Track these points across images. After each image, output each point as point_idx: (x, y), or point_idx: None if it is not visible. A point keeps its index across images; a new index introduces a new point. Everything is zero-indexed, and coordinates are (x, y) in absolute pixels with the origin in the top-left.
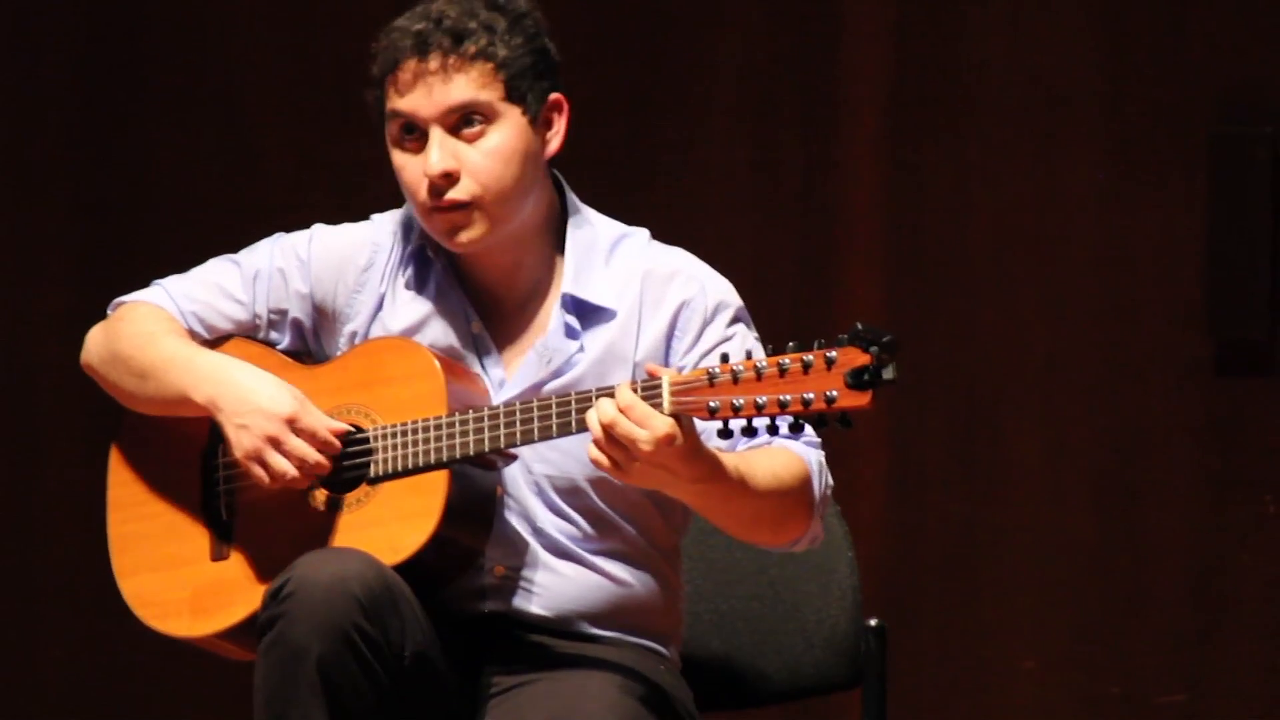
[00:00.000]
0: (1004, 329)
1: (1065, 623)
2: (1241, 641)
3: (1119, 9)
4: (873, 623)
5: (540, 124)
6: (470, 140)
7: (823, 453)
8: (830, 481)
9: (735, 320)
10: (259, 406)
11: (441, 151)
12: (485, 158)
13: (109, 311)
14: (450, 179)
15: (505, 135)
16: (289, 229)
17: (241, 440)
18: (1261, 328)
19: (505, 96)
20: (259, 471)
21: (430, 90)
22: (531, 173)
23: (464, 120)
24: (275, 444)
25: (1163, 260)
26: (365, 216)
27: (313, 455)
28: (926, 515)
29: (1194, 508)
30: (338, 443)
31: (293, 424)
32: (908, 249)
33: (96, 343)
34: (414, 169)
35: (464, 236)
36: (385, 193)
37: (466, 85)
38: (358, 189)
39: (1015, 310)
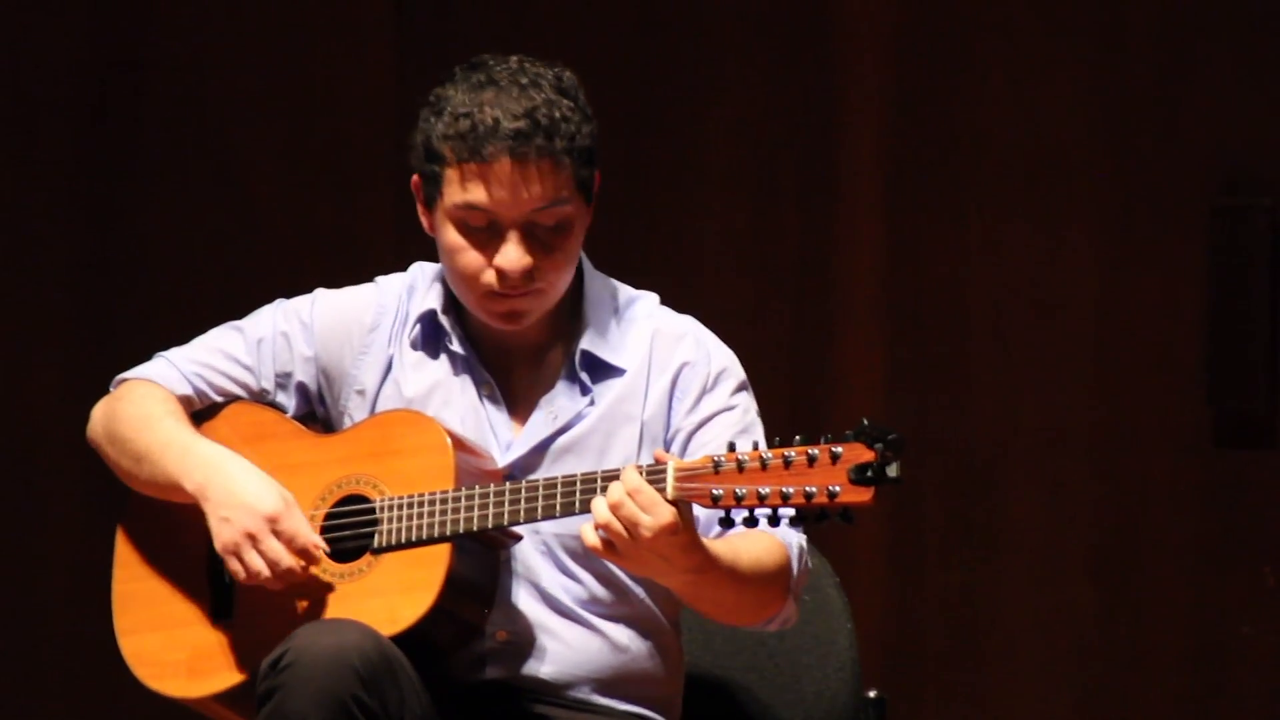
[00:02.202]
0: (1002, 398)
1: (1065, 693)
2: (1242, 713)
3: (1119, 79)
4: (872, 694)
5: (591, 201)
6: (543, 235)
7: (804, 536)
8: (809, 564)
9: (738, 390)
10: (244, 502)
11: (521, 249)
12: (558, 255)
13: (111, 388)
14: (524, 274)
15: (575, 229)
16: (286, 288)
17: (222, 532)
18: (1261, 399)
19: (576, 188)
20: (235, 565)
21: (521, 191)
22: (580, 248)
23: (540, 212)
24: (253, 541)
25: (1162, 331)
26: (364, 276)
27: (286, 560)
28: (925, 586)
29: (1193, 579)
30: (317, 552)
31: (273, 524)
32: (906, 316)
33: (99, 421)
34: (477, 257)
35: (524, 321)
36: (381, 250)
37: (554, 185)
38: (355, 248)
39: (1014, 379)
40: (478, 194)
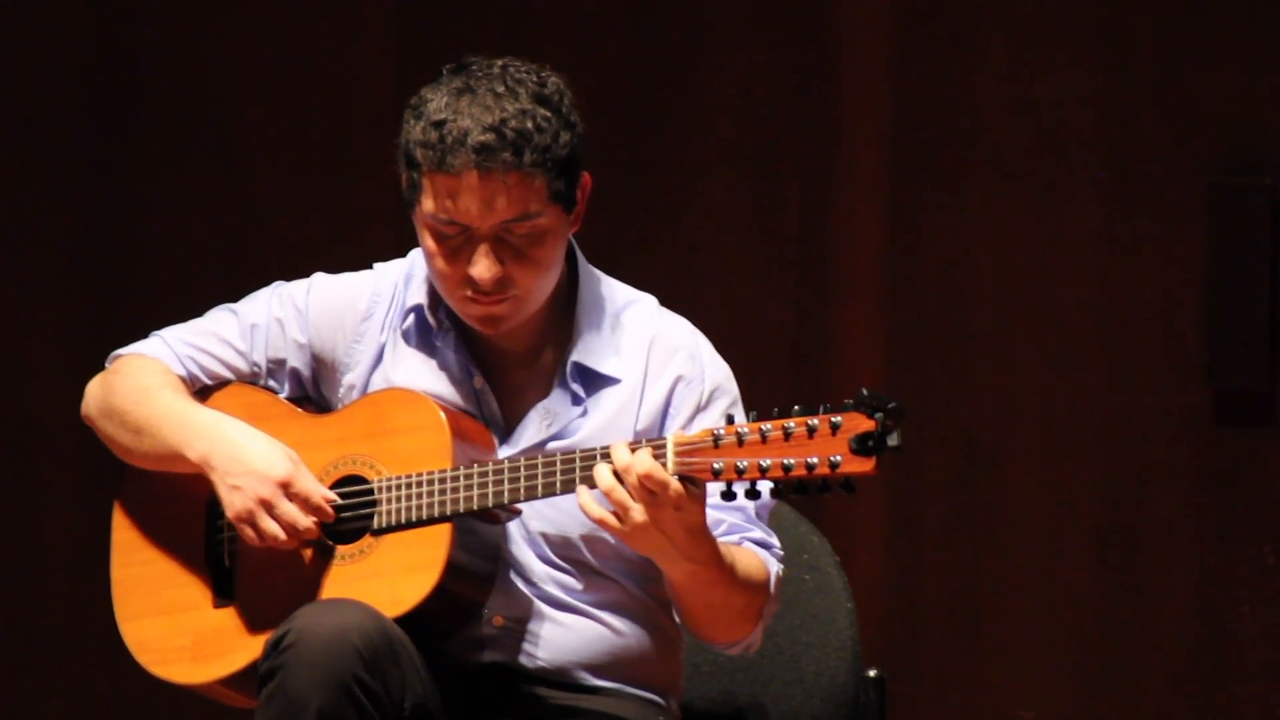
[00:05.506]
0: (1003, 379)
1: (1064, 673)
2: (1242, 693)
3: (1119, 59)
4: (872, 673)
5: (572, 209)
6: (517, 243)
7: (782, 567)
8: (778, 597)
9: (730, 409)
10: (253, 468)
11: (491, 260)
12: (532, 264)
13: (107, 364)
14: (497, 283)
15: (550, 238)
16: (287, 278)
17: (233, 501)
18: (1261, 378)
19: (551, 199)
20: (249, 533)
21: (488, 204)
22: (562, 255)
23: (511, 224)
24: (267, 507)
25: (1162, 310)
26: (364, 265)
27: (303, 521)
28: (925, 566)
29: (1194, 558)
30: (330, 510)
31: (286, 488)
32: (906, 298)
33: (94, 396)
34: (452, 263)
35: (502, 325)
36: (383, 240)
37: (523, 198)
38: (355, 237)
39: (1014, 360)
40: (447, 205)
